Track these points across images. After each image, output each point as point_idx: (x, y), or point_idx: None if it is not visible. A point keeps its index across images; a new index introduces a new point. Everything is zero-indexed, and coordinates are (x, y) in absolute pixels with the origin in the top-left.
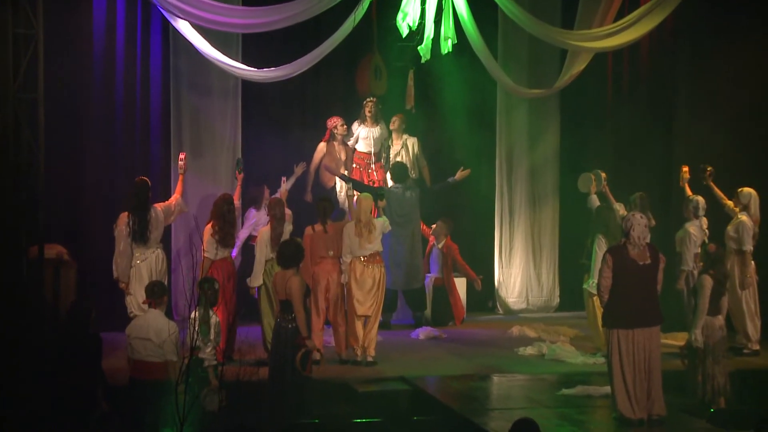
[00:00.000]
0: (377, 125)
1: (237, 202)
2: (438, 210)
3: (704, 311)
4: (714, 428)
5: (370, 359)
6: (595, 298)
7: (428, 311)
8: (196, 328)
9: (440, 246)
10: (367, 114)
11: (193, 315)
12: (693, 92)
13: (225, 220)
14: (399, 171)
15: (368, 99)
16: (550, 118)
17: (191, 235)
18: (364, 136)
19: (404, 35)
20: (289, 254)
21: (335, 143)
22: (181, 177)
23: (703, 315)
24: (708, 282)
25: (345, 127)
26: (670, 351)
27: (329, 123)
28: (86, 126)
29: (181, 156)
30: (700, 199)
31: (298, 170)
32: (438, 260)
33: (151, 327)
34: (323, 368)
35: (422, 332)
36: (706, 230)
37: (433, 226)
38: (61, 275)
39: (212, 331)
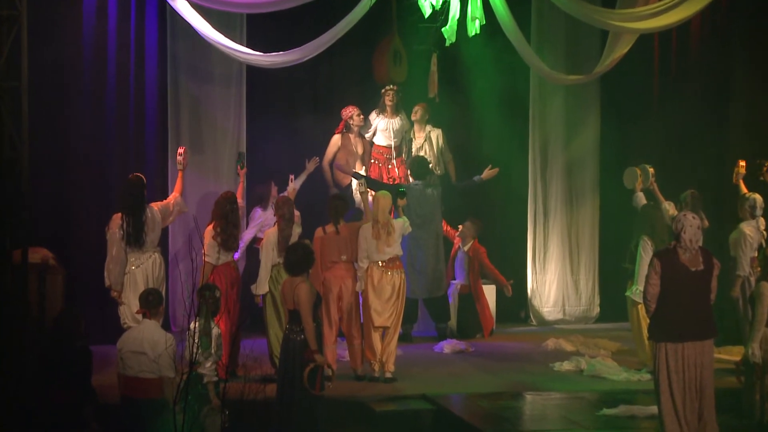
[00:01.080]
0: (397, 116)
1: (240, 200)
2: (463, 209)
3: (763, 322)
4: None
5: (388, 375)
6: (639, 307)
7: (453, 322)
8: (196, 341)
9: (466, 249)
10: (387, 104)
11: (192, 326)
12: (750, 78)
13: (228, 220)
14: (419, 166)
15: (388, 87)
16: (590, 107)
17: (191, 238)
18: (383, 127)
19: (427, 15)
20: (296, 259)
21: (351, 135)
22: (180, 173)
23: (761, 327)
24: (767, 289)
25: (362, 117)
26: (724, 367)
27: (344, 113)
28: (75, 118)
29: (180, 150)
30: (758, 197)
31: (310, 166)
32: (464, 265)
33: (145, 339)
34: (336, 385)
35: (446, 345)
36: (764, 231)
37: (460, 227)
38: (47, 282)
39: (213, 343)
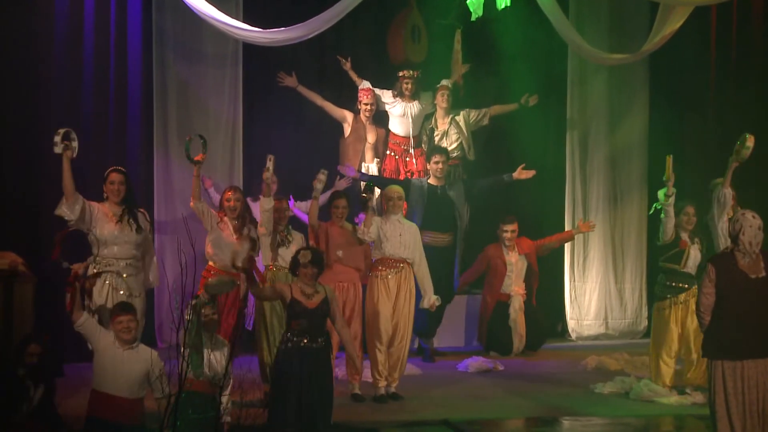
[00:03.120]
0: (416, 100)
1: (193, 203)
2: (490, 209)
3: None
4: None
5: (393, 391)
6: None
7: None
8: (186, 358)
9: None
10: (405, 91)
11: (182, 341)
12: None
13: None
14: (444, 153)
15: (406, 72)
16: (637, 91)
17: (179, 241)
18: (399, 113)
19: None
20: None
21: (363, 119)
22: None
23: None
24: None
25: (373, 108)
26: None
27: (359, 93)
28: (46, 103)
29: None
30: None
31: (318, 184)
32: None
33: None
34: (346, 409)
35: (472, 364)
36: None
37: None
38: (15, 291)
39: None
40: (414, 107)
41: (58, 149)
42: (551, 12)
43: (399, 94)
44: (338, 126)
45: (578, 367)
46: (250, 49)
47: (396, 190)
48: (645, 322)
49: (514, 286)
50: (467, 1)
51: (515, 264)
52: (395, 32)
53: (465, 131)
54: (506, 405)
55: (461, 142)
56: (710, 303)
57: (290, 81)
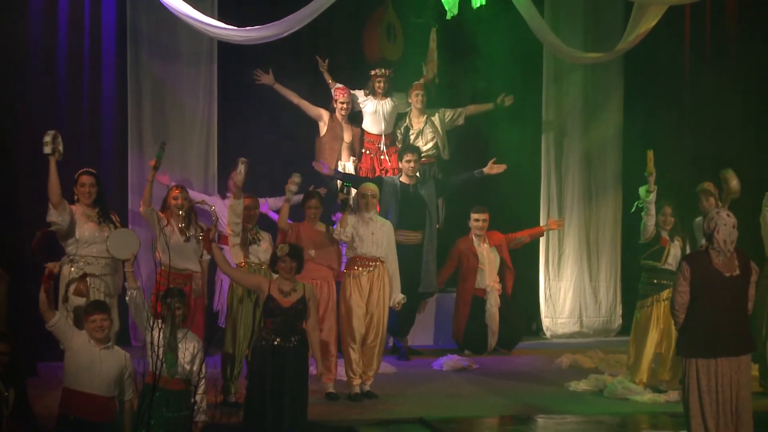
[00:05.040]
0: (388, 97)
1: (143, 208)
2: (464, 207)
3: None
4: None
5: (367, 389)
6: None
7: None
8: (160, 357)
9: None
10: (377, 89)
11: (156, 338)
12: None
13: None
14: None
15: (378, 71)
16: (611, 89)
17: (154, 238)
18: (371, 110)
19: None
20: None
21: (339, 117)
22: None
23: None
24: None
25: (348, 107)
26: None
27: (335, 92)
28: (20, 102)
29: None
30: None
31: (292, 186)
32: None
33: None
34: (321, 408)
35: (446, 362)
36: None
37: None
38: None
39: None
40: (386, 105)
41: (47, 149)
42: (526, 11)
43: (371, 93)
44: (314, 124)
45: (553, 365)
46: (226, 47)
47: (370, 187)
48: (619, 320)
49: (489, 281)
50: (443, 0)
51: (486, 256)
52: (371, 31)
53: (440, 130)
54: (481, 403)
55: (436, 142)
56: (685, 301)
57: (267, 79)
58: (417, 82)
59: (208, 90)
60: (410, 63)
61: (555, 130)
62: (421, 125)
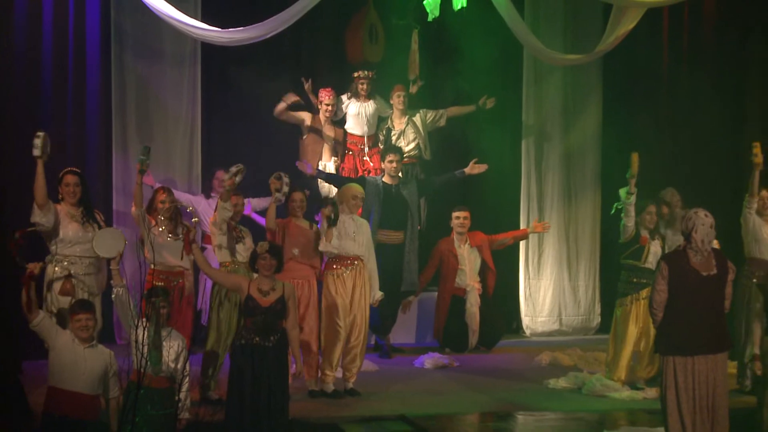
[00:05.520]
0: (371, 99)
1: (135, 210)
2: (445, 208)
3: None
4: None
5: (350, 386)
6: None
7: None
8: (145, 355)
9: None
10: (360, 91)
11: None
12: None
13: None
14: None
15: (361, 73)
16: (591, 90)
17: (138, 237)
18: (353, 112)
19: None
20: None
21: (322, 119)
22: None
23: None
24: None
25: (332, 109)
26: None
27: (320, 94)
28: (4, 102)
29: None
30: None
31: (285, 187)
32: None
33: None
34: (303, 404)
35: (428, 360)
36: None
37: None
38: None
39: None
40: (369, 107)
41: (37, 151)
42: (507, 13)
43: (354, 94)
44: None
45: (532, 363)
46: (209, 48)
47: (359, 189)
48: (598, 319)
49: (469, 280)
50: (424, 2)
51: (466, 257)
52: (353, 32)
53: (422, 131)
54: (462, 400)
55: (418, 142)
56: (663, 300)
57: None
58: (398, 86)
59: (191, 90)
60: (392, 64)
61: (535, 131)
62: (403, 126)
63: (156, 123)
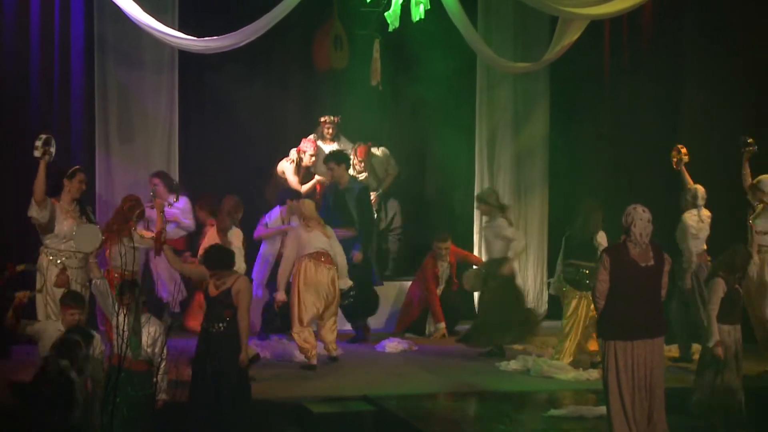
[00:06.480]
0: (336, 141)
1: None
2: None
3: (715, 318)
4: None
5: (334, 354)
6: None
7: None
8: (125, 339)
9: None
10: (326, 134)
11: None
12: (704, 65)
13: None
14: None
15: (327, 117)
16: (539, 96)
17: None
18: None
19: None
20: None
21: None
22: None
23: (715, 322)
24: (720, 286)
25: (313, 159)
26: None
27: (302, 143)
28: None
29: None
30: (699, 188)
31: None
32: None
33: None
34: (270, 385)
35: (389, 344)
36: (709, 223)
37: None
38: None
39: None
40: (333, 148)
41: (37, 153)
42: (461, 23)
43: (320, 137)
44: (272, 128)
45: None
46: (186, 56)
47: (311, 208)
48: (545, 306)
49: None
50: (385, 14)
51: (443, 273)
52: (320, 41)
53: (377, 171)
54: (420, 381)
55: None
56: (605, 289)
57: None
58: (360, 146)
59: (169, 95)
60: (356, 71)
61: (488, 134)
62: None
63: (136, 125)
